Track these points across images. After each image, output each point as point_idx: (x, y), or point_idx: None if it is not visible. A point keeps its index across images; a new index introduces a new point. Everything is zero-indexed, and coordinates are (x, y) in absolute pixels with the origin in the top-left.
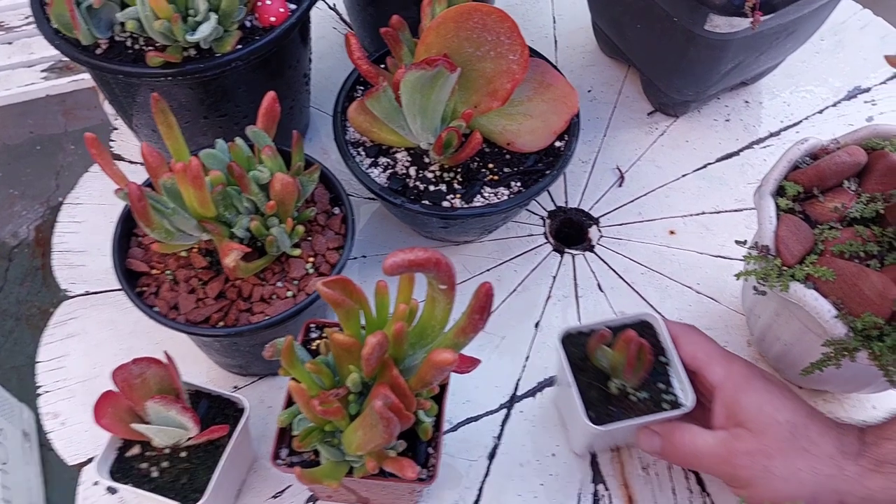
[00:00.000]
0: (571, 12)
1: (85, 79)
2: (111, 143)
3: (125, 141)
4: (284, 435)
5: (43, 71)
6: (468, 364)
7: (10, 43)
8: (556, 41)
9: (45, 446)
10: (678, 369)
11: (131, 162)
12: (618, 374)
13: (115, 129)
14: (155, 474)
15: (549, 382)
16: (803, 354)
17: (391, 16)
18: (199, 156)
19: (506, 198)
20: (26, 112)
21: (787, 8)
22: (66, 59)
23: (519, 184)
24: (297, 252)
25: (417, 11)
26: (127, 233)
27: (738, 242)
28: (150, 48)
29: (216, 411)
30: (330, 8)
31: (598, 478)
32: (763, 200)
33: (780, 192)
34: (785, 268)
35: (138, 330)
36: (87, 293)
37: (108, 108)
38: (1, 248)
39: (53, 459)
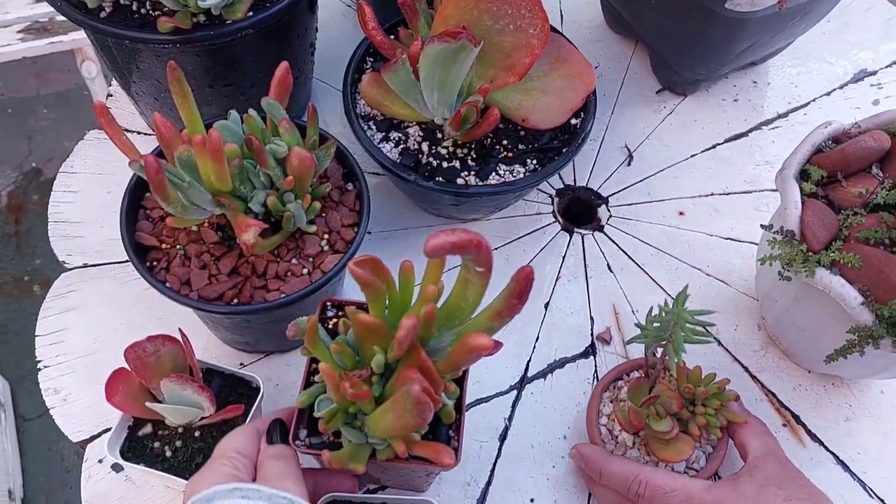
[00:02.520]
0: None
1: (63, 41)
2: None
3: (119, 108)
4: (302, 416)
5: (19, 32)
6: (493, 348)
7: None
8: (562, 15)
9: (20, 416)
10: None
11: (127, 130)
12: None
13: (110, 95)
14: (168, 454)
15: (560, 364)
16: (820, 340)
17: None
18: (215, 127)
19: (521, 176)
20: None
21: None
22: (42, 20)
23: (535, 161)
24: (312, 228)
25: None
26: (135, 205)
27: (763, 227)
28: (158, 13)
29: (229, 390)
30: None
31: None
32: (787, 184)
33: (803, 175)
34: (810, 253)
35: (139, 304)
36: (86, 265)
37: (86, 73)
38: None
39: (29, 429)
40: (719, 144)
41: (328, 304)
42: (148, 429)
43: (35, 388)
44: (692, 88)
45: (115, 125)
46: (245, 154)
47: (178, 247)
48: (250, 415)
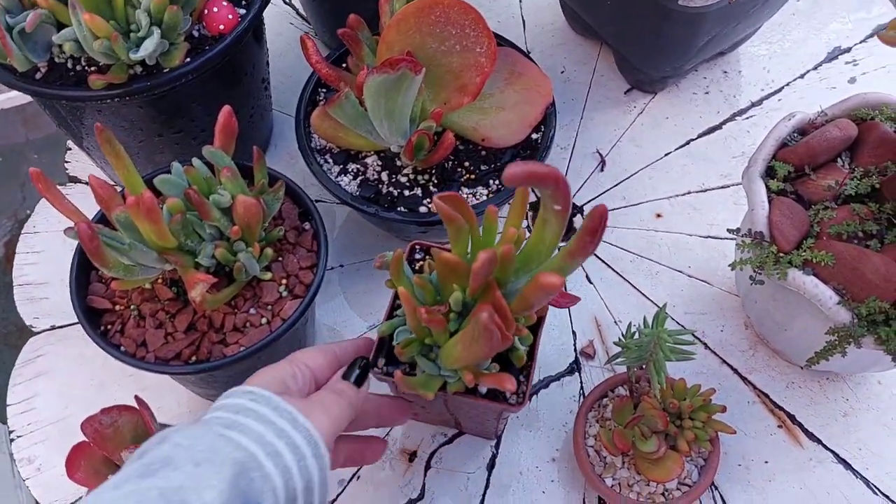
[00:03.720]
0: None
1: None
2: (66, 164)
3: (80, 161)
4: (382, 345)
5: None
6: (568, 300)
7: None
8: (523, 20)
9: None
10: None
11: (86, 183)
12: None
13: (69, 149)
14: None
15: (545, 384)
16: (804, 338)
17: (349, 10)
18: (155, 183)
19: (485, 198)
20: None
21: None
22: None
23: (497, 181)
24: (268, 276)
25: (377, 4)
26: (86, 267)
27: (730, 231)
28: (93, 69)
29: None
30: (285, 3)
31: None
32: (753, 184)
33: (769, 172)
34: (781, 254)
35: (109, 363)
36: (53, 327)
37: None
38: None
39: None
40: (693, 140)
41: (416, 246)
42: None
43: None
44: (660, 86)
45: (54, 190)
46: (188, 207)
47: (131, 307)
48: None
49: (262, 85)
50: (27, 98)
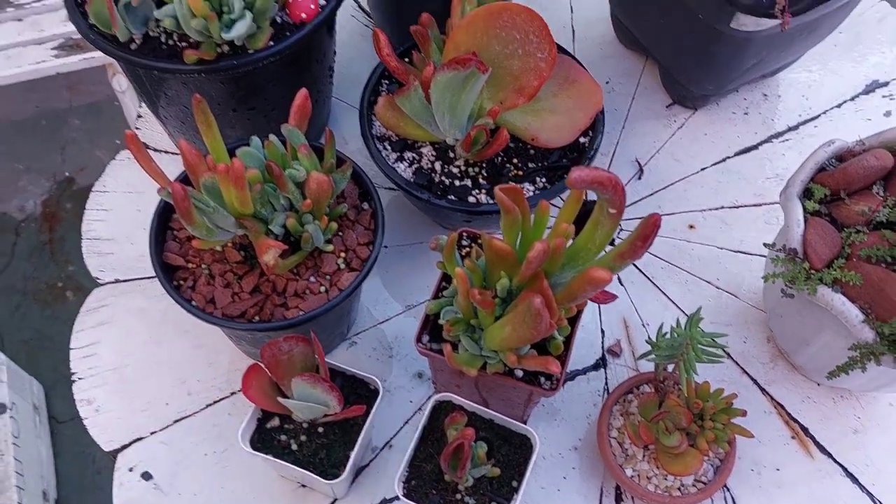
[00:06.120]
0: (589, 2)
1: (95, 57)
2: (136, 130)
3: (150, 129)
4: (427, 322)
5: (53, 49)
6: (607, 296)
7: (20, 20)
8: (573, 31)
9: (54, 419)
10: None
11: (156, 150)
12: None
13: (140, 116)
14: (294, 447)
15: (571, 377)
16: (826, 354)
17: (413, 7)
18: (237, 153)
19: (531, 194)
20: (31, 87)
21: (816, 8)
22: (76, 37)
23: (544, 179)
24: (329, 248)
25: (439, 4)
26: (163, 226)
27: (766, 245)
28: (185, 44)
29: (348, 390)
30: None
31: None
32: (790, 203)
33: (806, 194)
34: (813, 271)
35: (167, 318)
36: (117, 280)
37: (117, 86)
38: (7, 222)
39: (62, 431)
40: (729, 158)
41: (464, 233)
42: (275, 422)
43: (68, 392)
44: (702, 102)
45: (145, 153)
46: (266, 178)
47: (203, 266)
48: (371, 414)
49: (328, 73)
50: (80, 66)
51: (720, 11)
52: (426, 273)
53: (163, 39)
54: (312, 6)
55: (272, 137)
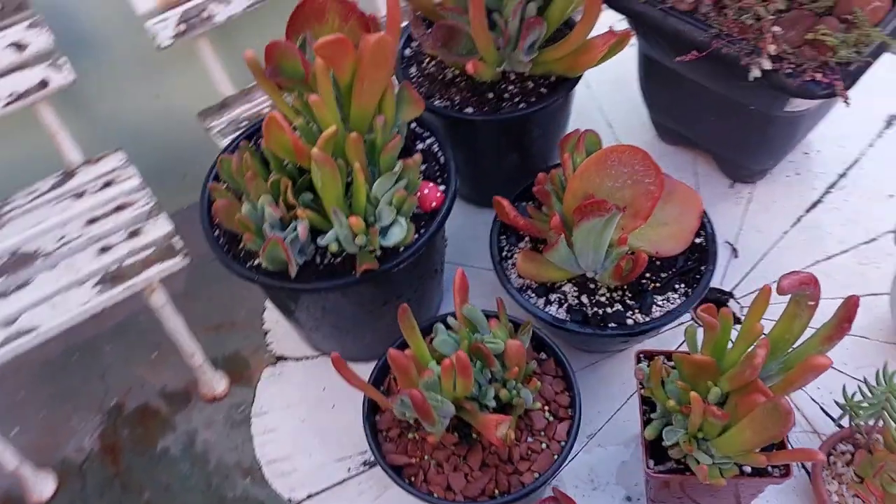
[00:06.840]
0: (622, 114)
1: (136, 283)
2: (269, 345)
3: (277, 340)
4: (647, 448)
5: (95, 286)
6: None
7: (52, 268)
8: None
9: None
10: None
11: (296, 359)
12: None
13: (267, 331)
14: None
15: None
16: None
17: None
18: (434, 344)
19: (678, 301)
20: None
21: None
22: (112, 269)
23: (682, 285)
24: (537, 405)
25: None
26: (374, 433)
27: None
28: (338, 259)
29: None
30: None
31: None
32: None
33: None
34: None
35: None
36: (310, 495)
37: (155, 303)
38: (69, 466)
39: None
40: (803, 216)
41: (641, 355)
42: None
43: None
44: (760, 176)
45: (347, 369)
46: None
47: (426, 458)
48: None
49: (444, 243)
50: (124, 295)
51: (774, 101)
52: (594, 402)
53: (317, 261)
54: (439, 194)
55: (453, 322)
